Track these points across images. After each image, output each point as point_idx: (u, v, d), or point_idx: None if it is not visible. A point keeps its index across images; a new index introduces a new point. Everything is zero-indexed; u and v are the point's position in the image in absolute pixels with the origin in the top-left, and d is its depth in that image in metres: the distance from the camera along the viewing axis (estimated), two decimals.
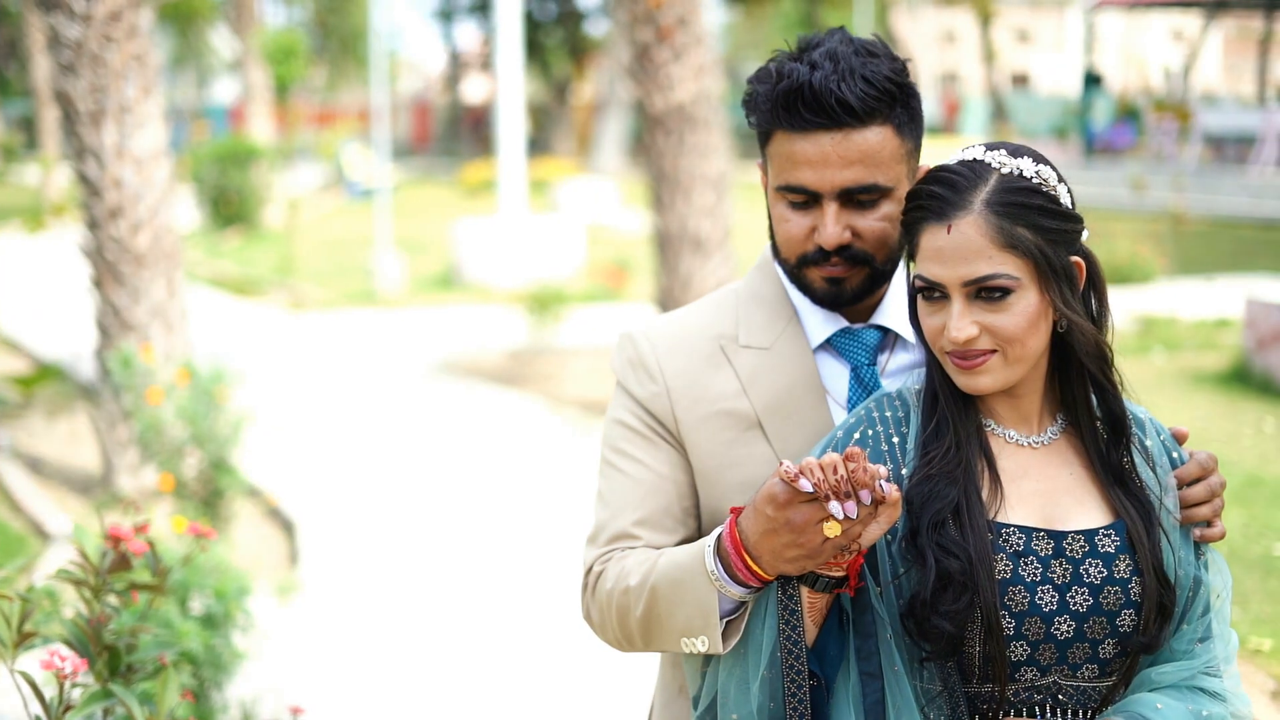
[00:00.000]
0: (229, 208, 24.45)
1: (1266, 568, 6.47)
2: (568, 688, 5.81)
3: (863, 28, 30.87)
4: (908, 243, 2.07)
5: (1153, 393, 9.78)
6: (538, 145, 38.01)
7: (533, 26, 38.29)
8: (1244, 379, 10.42)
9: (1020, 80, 60.05)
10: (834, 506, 1.84)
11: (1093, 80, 31.08)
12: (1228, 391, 10.21)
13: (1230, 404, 9.83)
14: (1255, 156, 25.82)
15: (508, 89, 17.94)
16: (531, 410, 11.08)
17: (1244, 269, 16.68)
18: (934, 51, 54.56)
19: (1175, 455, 2.15)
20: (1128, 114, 31.77)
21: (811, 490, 1.84)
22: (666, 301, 9.95)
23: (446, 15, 47.16)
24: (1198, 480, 2.13)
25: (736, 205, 10.26)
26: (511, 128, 18.06)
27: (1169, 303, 14.28)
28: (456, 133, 47.77)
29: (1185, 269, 16.72)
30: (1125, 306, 13.23)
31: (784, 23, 45.80)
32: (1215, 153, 27.96)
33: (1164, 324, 12.98)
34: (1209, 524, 2.12)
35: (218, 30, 50.00)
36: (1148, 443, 2.13)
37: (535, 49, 39.61)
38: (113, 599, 2.69)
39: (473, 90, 53.00)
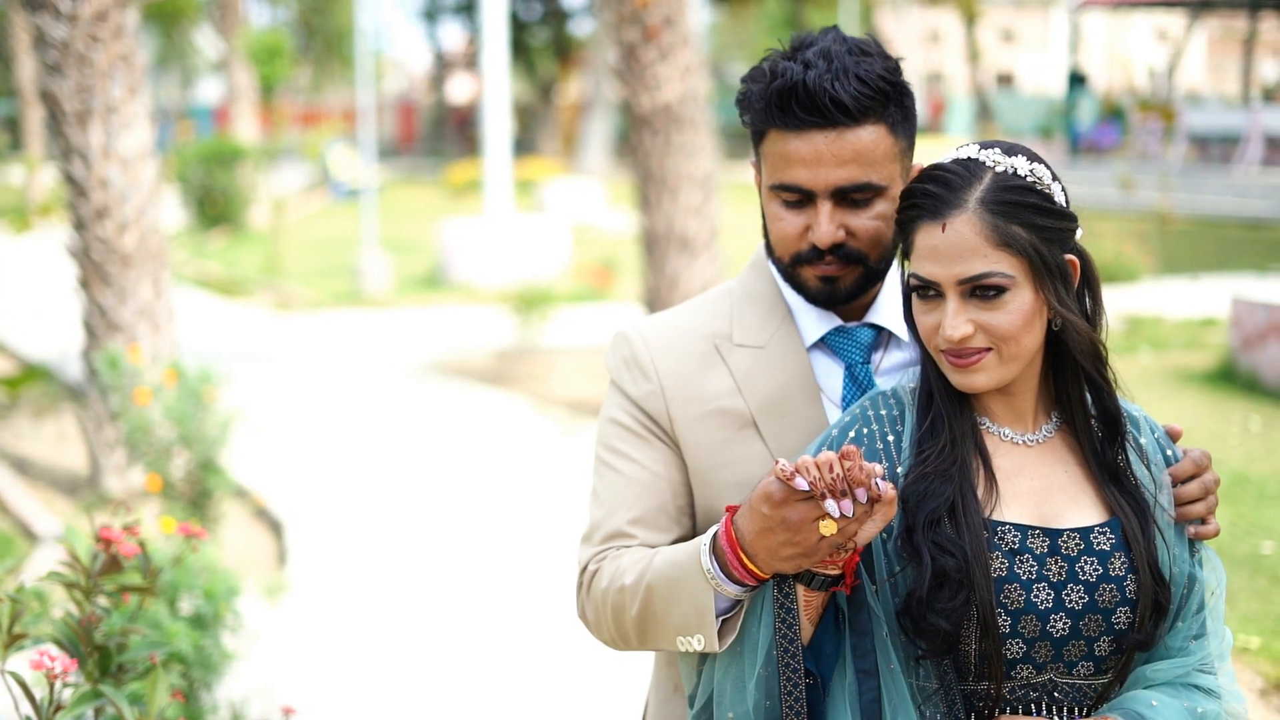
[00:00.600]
0: (214, 208, 24.41)
1: (1254, 566, 6.48)
2: (561, 687, 5.80)
3: (848, 27, 30.87)
4: (902, 241, 2.07)
5: (1139, 392, 9.70)
6: (523, 145, 38.01)
7: (518, 26, 38.31)
8: (1230, 378, 10.44)
9: (1005, 80, 60.17)
10: (830, 505, 1.83)
11: (1077, 80, 31.19)
12: (1214, 390, 10.24)
13: (1216, 403, 9.86)
14: (1240, 156, 25.91)
15: (493, 89, 17.92)
16: (518, 410, 11.07)
17: (1229, 268, 16.73)
18: (919, 51, 54.61)
19: (1169, 453, 2.15)
20: (1112, 114, 31.89)
21: (807, 488, 1.84)
22: (653, 301, 9.95)
23: (431, 15, 47.16)
24: (1192, 478, 2.13)
25: (723, 205, 10.26)
26: (497, 128, 18.05)
27: (1155, 302, 14.32)
28: (442, 133, 47.76)
29: (1171, 268, 16.76)
30: (1111, 306, 12.92)
31: (769, 23, 45.86)
32: (1200, 152, 28.06)
33: (1150, 323, 13.01)
34: (1203, 521, 2.13)
35: (202, 30, 49.90)
36: (1142, 440, 2.13)
37: (520, 49, 39.61)
38: (103, 600, 2.68)
39: (458, 90, 52.96)
